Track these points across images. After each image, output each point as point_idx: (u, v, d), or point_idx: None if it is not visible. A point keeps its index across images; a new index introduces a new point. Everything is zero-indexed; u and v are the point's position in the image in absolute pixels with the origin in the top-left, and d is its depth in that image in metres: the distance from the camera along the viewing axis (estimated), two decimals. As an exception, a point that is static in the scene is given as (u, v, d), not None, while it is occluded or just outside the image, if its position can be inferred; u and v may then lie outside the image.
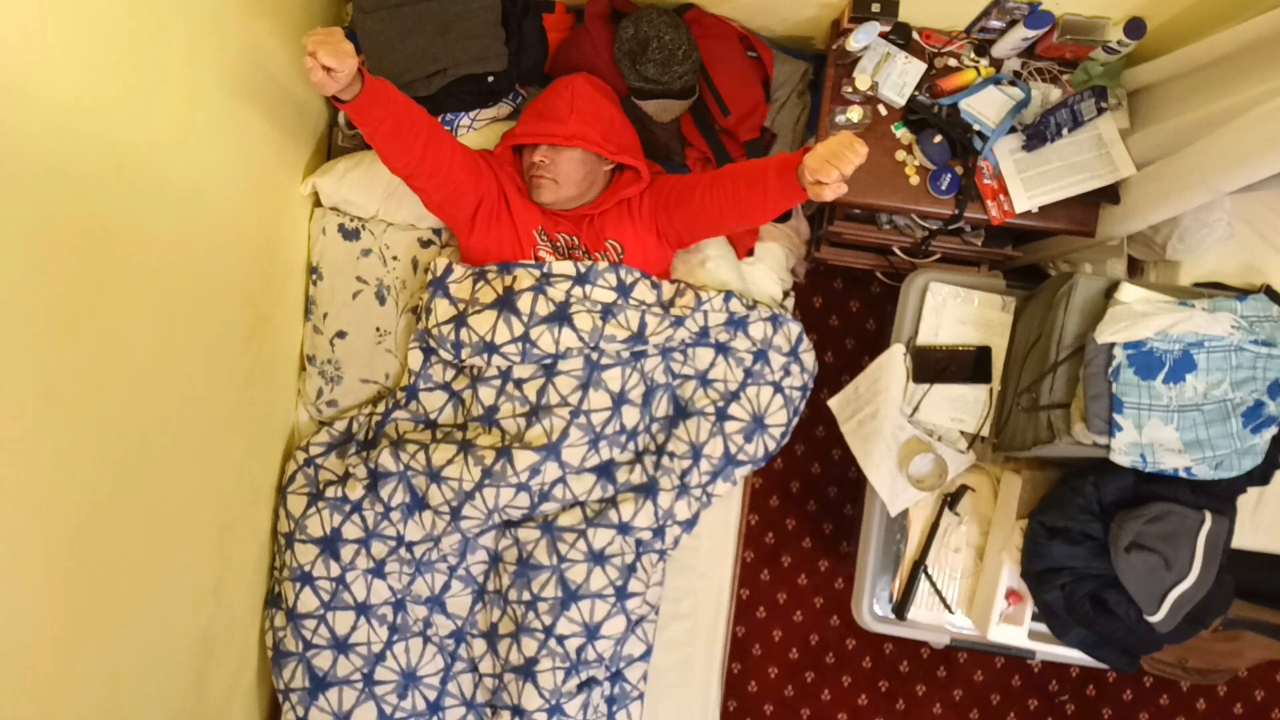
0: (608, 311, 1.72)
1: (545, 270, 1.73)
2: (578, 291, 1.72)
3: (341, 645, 1.78)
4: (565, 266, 1.74)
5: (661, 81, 1.79)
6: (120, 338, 1.19)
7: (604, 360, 1.74)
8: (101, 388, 1.16)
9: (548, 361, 1.74)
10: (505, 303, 1.71)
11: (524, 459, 1.68)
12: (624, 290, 1.75)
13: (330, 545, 1.78)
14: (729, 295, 1.82)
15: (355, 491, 1.79)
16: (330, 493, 1.80)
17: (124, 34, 1.13)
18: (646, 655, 1.83)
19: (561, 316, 1.70)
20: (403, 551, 1.78)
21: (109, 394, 1.18)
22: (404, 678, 1.79)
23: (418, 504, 1.76)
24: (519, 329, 1.70)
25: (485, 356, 1.72)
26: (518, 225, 1.77)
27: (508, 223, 1.77)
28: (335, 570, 1.78)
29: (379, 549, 1.78)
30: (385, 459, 1.76)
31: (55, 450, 1.08)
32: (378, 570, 1.78)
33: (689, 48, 1.80)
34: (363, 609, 1.78)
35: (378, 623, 1.77)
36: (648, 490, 1.79)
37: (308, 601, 1.78)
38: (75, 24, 1.04)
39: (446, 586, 1.82)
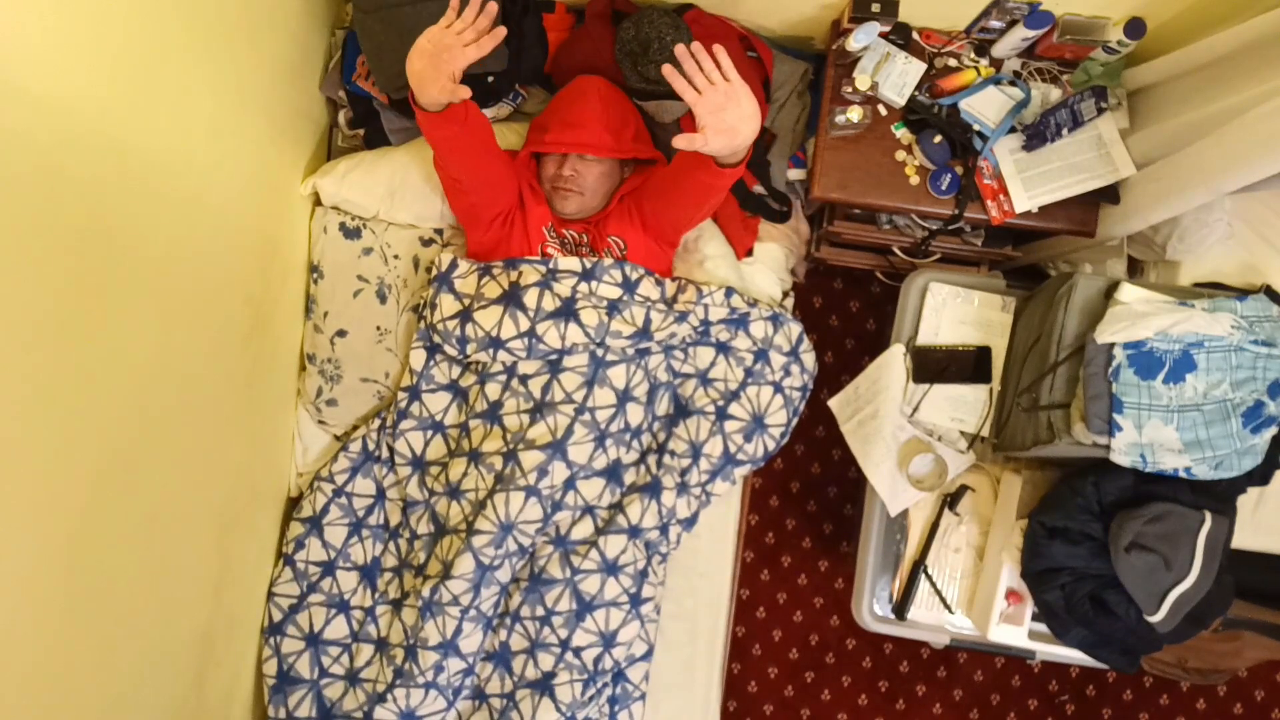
0: (613, 307, 1.72)
1: (551, 266, 1.74)
2: (583, 287, 1.73)
3: (353, 678, 1.78)
4: (571, 263, 1.74)
5: (663, 82, 1.79)
6: (120, 338, 1.19)
7: (609, 357, 1.74)
8: (101, 388, 1.16)
9: (553, 357, 1.74)
10: (511, 298, 1.71)
11: (531, 459, 1.68)
12: (629, 286, 1.75)
13: (369, 574, 1.81)
14: (730, 291, 1.83)
15: (395, 516, 1.84)
16: (372, 520, 1.84)
17: (124, 34, 1.13)
18: (648, 655, 1.83)
19: (567, 312, 1.70)
20: (417, 582, 1.75)
21: (109, 394, 1.18)
22: (402, 717, 1.72)
23: (440, 531, 1.76)
24: (525, 324, 1.70)
25: (490, 352, 1.72)
26: (529, 223, 1.78)
27: (519, 222, 1.78)
28: (368, 601, 1.80)
29: (409, 581, 1.78)
30: (413, 489, 1.80)
31: (55, 450, 1.08)
32: (396, 605, 1.78)
33: (689, 48, 1.80)
34: (381, 645, 1.78)
35: (387, 662, 1.75)
36: (651, 490, 1.79)
37: (338, 629, 1.80)
38: (75, 24, 1.04)
39: (459, 630, 1.69)
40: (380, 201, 1.85)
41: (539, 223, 1.78)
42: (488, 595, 1.70)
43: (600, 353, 1.74)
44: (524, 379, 1.74)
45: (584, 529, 1.78)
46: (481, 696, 1.79)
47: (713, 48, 1.36)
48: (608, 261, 1.75)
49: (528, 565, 1.78)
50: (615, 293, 1.74)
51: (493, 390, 1.76)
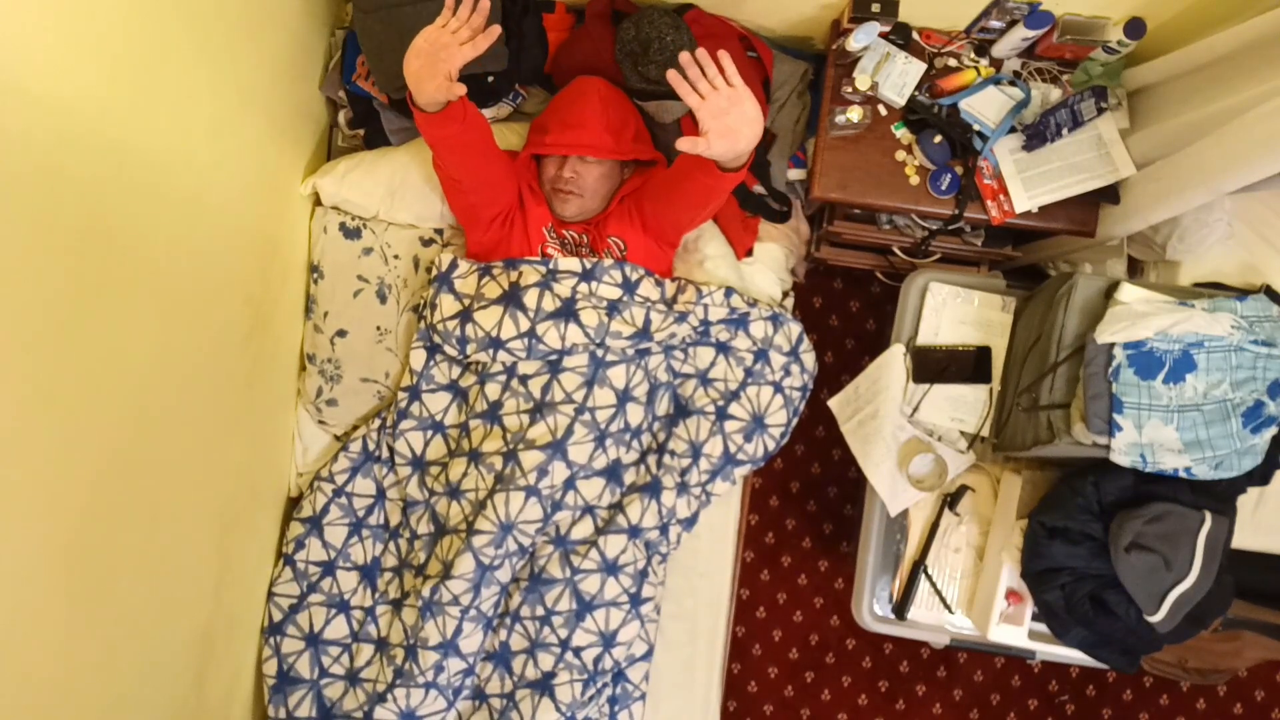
0: (613, 308, 1.72)
1: (551, 266, 1.74)
2: (583, 288, 1.73)
3: (353, 678, 1.78)
4: (571, 263, 1.74)
5: (663, 82, 1.79)
6: (120, 337, 1.19)
7: (609, 357, 1.74)
8: (101, 388, 1.16)
9: (553, 358, 1.74)
10: (511, 298, 1.71)
11: (531, 459, 1.68)
12: (629, 287, 1.75)
13: (369, 574, 1.82)
14: (729, 291, 1.83)
15: (395, 516, 1.84)
16: (372, 520, 1.84)
17: (124, 34, 1.13)
18: (648, 655, 1.83)
19: (568, 312, 1.70)
20: (417, 582, 1.76)
21: (109, 394, 1.18)
22: (402, 717, 1.71)
23: (440, 531, 1.76)
24: (525, 324, 1.70)
25: (490, 352, 1.72)
26: (529, 224, 1.78)
27: (519, 223, 1.78)
28: (369, 601, 1.81)
29: (409, 581, 1.79)
30: (413, 489, 1.80)
31: (55, 450, 1.08)
32: (396, 605, 1.79)
33: (691, 48, 1.80)
34: (381, 645, 1.78)
35: (387, 662, 1.76)
36: (651, 489, 1.79)
37: (338, 628, 1.80)
38: (76, 24, 1.04)
39: (459, 630, 1.68)
40: (380, 202, 1.85)
41: (539, 223, 1.78)
42: (488, 595, 1.70)
43: (600, 353, 1.74)
44: (524, 379, 1.74)
45: (584, 529, 1.78)
46: (481, 697, 1.79)
47: (717, 53, 1.36)
48: (608, 262, 1.75)
49: (528, 565, 1.78)
50: (615, 293, 1.74)
51: (492, 390, 1.76)
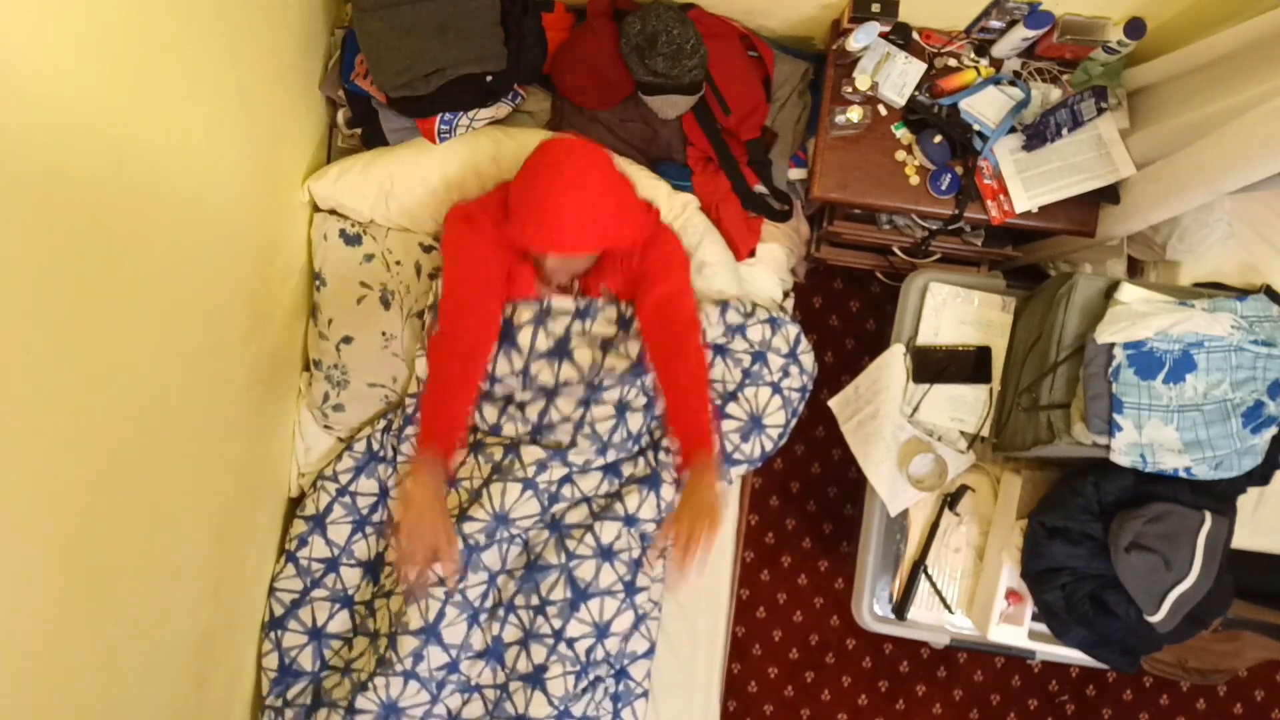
0: (608, 345, 1.73)
1: (545, 305, 1.73)
2: (578, 326, 1.73)
3: (346, 668, 1.78)
4: (565, 302, 1.73)
5: (671, 75, 1.78)
6: (120, 338, 1.19)
7: (605, 383, 1.74)
8: (101, 387, 1.16)
9: (549, 389, 1.75)
10: (505, 336, 1.71)
11: (532, 454, 1.69)
12: (625, 323, 1.76)
13: (372, 570, 1.82)
14: (725, 307, 1.81)
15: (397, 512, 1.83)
16: (376, 517, 1.84)
17: (124, 34, 1.13)
18: (650, 653, 1.83)
19: (561, 351, 1.71)
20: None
21: (109, 394, 1.18)
22: (383, 709, 1.68)
23: None
24: (519, 363, 1.71)
25: (485, 384, 1.73)
26: (521, 270, 1.71)
27: (512, 274, 1.71)
28: (368, 595, 1.81)
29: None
30: None
31: (55, 450, 1.08)
32: (390, 596, 1.79)
33: (697, 42, 1.80)
34: (374, 636, 1.78)
35: (373, 651, 1.75)
36: (650, 482, 1.79)
37: (341, 622, 1.80)
38: (75, 24, 1.03)
39: (440, 615, 1.66)
40: (372, 206, 1.83)
41: (531, 273, 1.71)
42: (474, 580, 1.69)
43: (596, 381, 1.74)
44: (520, 405, 1.76)
45: (579, 514, 1.78)
46: (475, 689, 1.79)
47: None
48: (601, 300, 1.74)
49: (523, 554, 1.78)
50: (610, 330, 1.74)
51: (490, 413, 1.78)
